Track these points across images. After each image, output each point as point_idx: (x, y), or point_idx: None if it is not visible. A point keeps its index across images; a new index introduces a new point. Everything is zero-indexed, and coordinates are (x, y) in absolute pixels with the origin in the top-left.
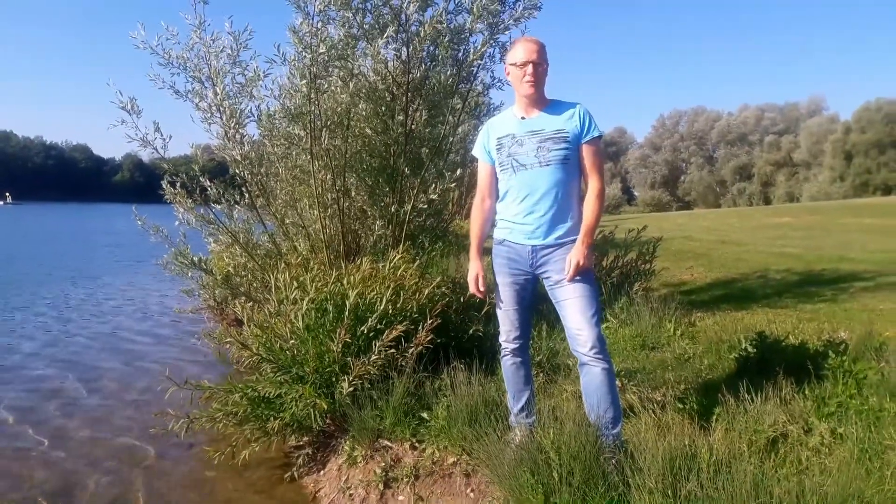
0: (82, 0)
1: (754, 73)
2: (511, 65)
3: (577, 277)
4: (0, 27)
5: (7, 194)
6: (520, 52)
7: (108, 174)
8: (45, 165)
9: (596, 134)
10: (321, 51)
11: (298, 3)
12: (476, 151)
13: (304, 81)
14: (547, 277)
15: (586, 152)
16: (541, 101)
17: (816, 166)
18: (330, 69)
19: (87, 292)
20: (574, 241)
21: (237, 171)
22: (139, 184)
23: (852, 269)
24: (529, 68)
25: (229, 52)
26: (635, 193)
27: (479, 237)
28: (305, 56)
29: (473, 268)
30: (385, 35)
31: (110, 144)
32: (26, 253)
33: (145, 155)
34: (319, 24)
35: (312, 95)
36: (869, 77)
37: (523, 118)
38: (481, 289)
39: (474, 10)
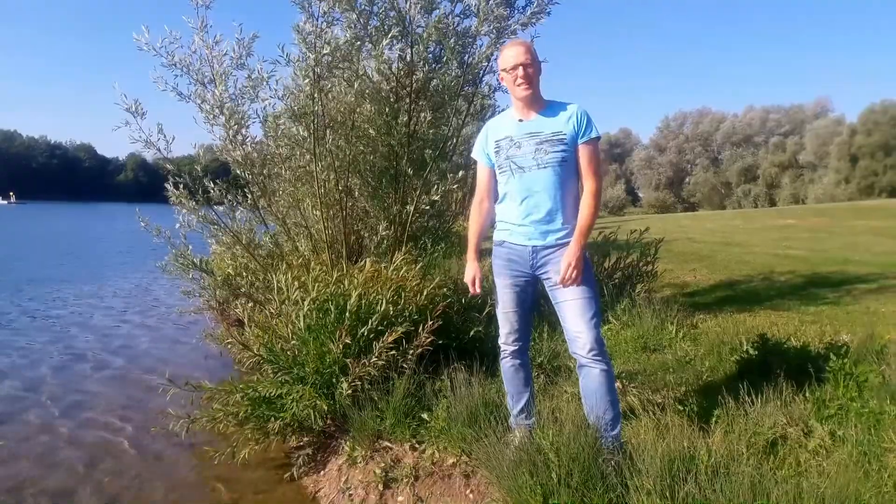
0: (86, 2)
1: (760, 74)
2: (503, 70)
3: (578, 279)
4: (4, 29)
5: (11, 193)
6: (509, 56)
7: (112, 174)
8: (49, 165)
9: (593, 135)
10: (325, 52)
11: (303, 4)
12: (475, 154)
13: (307, 81)
14: (547, 278)
15: (582, 153)
16: (537, 103)
17: (822, 168)
18: (334, 70)
19: (88, 292)
20: None
21: (238, 172)
22: (142, 184)
23: (856, 272)
24: (520, 71)
25: (232, 54)
26: (640, 195)
27: (477, 238)
28: (309, 57)
29: (471, 269)
30: (389, 36)
31: (114, 144)
32: (29, 252)
33: (149, 155)
34: (324, 24)
35: (316, 96)
36: (875, 79)
37: (521, 120)
38: (478, 290)
39: (480, 13)
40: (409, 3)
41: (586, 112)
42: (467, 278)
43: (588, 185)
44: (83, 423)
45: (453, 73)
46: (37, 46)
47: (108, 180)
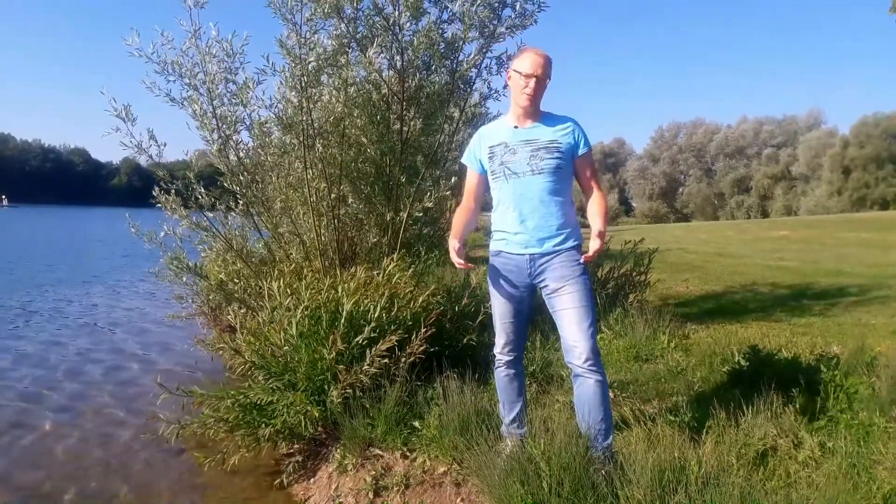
0: (81, 3)
1: (753, 85)
2: (516, 71)
3: (575, 288)
4: (3, 27)
5: (3, 197)
6: (527, 62)
7: (106, 178)
8: (43, 168)
9: (588, 148)
10: (310, 60)
11: (286, 15)
12: (465, 159)
13: (293, 93)
14: (545, 286)
15: (582, 166)
16: (535, 114)
17: (814, 180)
18: (321, 78)
19: (79, 296)
20: (572, 247)
21: (226, 184)
22: (136, 188)
23: (848, 284)
24: (532, 82)
25: (224, 57)
26: (633, 205)
27: (461, 227)
28: (295, 67)
29: (453, 244)
30: (375, 43)
31: (108, 148)
32: (21, 257)
33: (143, 160)
34: (308, 33)
35: (304, 104)
36: (867, 91)
37: (516, 127)
38: (461, 259)
39: (465, 18)
40: (396, 10)
41: (581, 126)
42: (452, 256)
43: (597, 191)
44: (70, 426)
45: (443, 80)
46: (29, 47)
47: (103, 184)
